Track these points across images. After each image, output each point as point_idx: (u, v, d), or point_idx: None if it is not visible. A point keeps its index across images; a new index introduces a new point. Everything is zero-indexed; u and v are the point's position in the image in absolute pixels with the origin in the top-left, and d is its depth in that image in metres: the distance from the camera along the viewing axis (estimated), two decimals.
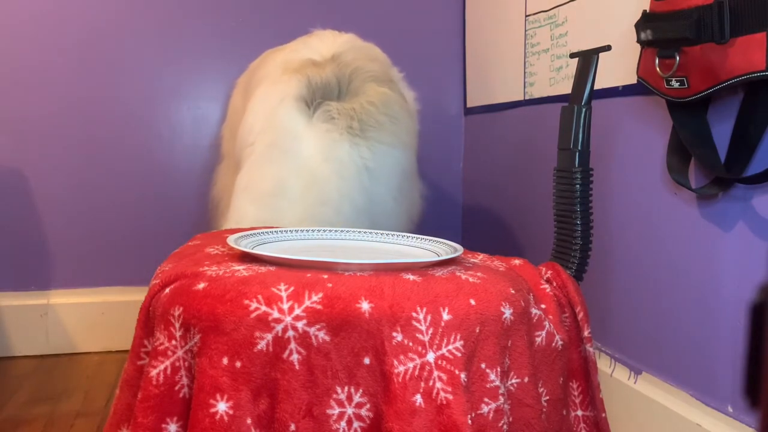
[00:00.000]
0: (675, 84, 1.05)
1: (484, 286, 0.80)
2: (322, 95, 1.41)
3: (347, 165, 1.33)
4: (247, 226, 1.31)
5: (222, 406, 0.71)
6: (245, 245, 0.89)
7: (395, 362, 0.73)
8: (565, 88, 1.52)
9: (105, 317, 1.90)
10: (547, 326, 0.86)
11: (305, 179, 1.32)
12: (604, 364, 1.35)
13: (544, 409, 0.84)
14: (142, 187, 1.93)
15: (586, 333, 0.93)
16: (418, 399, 0.72)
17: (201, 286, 0.77)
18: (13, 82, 1.84)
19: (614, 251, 1.34)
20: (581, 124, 1.05)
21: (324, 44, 1.55)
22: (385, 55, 1.61)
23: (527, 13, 1.69)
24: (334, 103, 1.40)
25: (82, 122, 1.88)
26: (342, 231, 1.03)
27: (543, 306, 0.89)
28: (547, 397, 0.85)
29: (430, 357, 0.73)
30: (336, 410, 0.73)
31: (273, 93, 1.43)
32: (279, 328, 0.72)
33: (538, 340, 0.85)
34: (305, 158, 1.34)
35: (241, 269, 0.81)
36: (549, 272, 0.96)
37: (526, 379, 0.81)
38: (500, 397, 0.76)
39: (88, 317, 1.89)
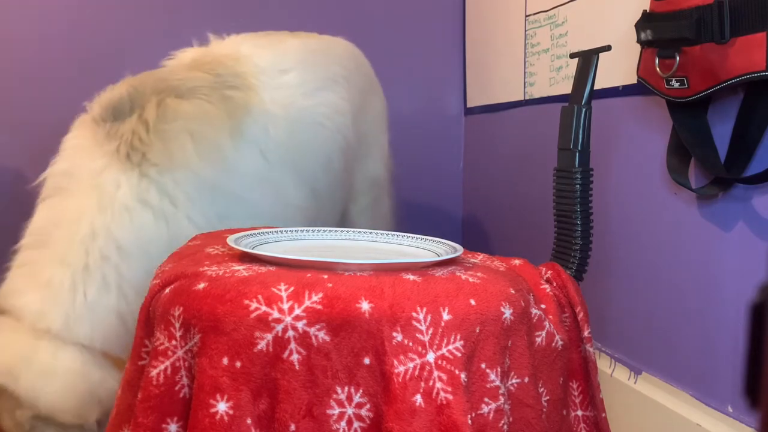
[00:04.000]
0: (675, 84, 1.05)
1: (484, 286, 0.80)
2: (112, 115, 1.22)
3: (109, 194, 1.15)
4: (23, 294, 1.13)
5: (222, 406, 0.71)
6: (245, 245, 0.89)
7: (395, 362, 0.73)
8: (565, 88, 1.52)
9: None
10: (547, 326, 0.86)
11: (69, 215, 1.16)
12: (604, 364, 1.35)
13: (545, 409, 0.84)
14: None
15: (586, 333, 0.93)
16: (418, 399, 0.72)
17: (201, 286, 0.77)
18: (13, 82, 1.84)
19: (614, 251, 1.34)
20: (581, 124, 1.05)
21: (192, 52, 1.39)
22: (257, 55, 1.36)
23: (527, 13, 1.69)
24: (110, 125, 1.21)
25: None
26: (342, 231, 1.03)
27: (543, 306, 0.89)
28: (547, 397, 0.85)
29: (430, 357, 0.74)
30: (336, 410, 0.73)
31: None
32: (279, 328, 0.72)
33: (538, 340, 0.85)
34: (73, 190, 1.18)
35: (242, 269, 0.81)
36: (549, 272, 0.96)
37: (526, 379, 0.81)
38: (500, 397, 0.77)
39: None
